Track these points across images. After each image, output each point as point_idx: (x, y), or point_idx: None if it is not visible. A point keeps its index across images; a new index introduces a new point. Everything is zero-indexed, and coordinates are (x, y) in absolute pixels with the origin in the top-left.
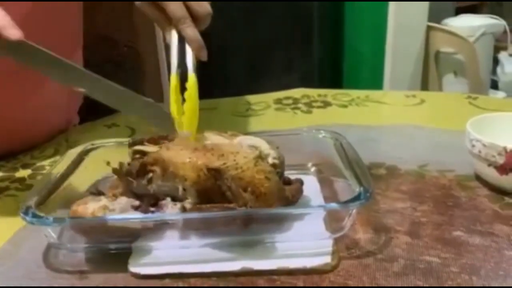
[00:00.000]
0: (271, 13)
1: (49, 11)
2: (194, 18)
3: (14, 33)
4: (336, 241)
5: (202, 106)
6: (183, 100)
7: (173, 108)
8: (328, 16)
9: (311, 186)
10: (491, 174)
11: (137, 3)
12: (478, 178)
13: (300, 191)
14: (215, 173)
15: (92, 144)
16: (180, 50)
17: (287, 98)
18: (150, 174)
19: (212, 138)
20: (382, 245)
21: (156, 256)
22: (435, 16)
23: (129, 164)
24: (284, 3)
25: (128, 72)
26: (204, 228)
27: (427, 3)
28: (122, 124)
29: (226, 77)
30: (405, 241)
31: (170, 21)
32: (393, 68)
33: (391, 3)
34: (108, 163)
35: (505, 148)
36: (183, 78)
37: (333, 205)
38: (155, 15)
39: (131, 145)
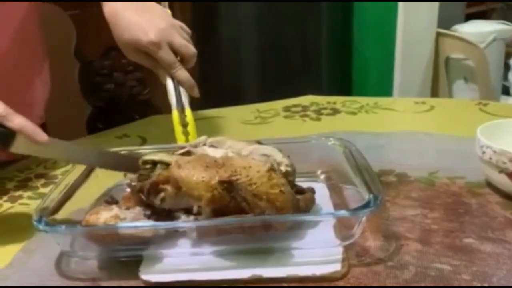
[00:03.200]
0: (279, 20)
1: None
2: (182, 60)
3: (42, 137)
4: (346, 248)
5: (212, 114)
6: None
7: (180, 138)
8: (336, 22)
9: (321, 194)
10: (502, 181)
11: (125, 52)
12: (489, 184)
13: (313, 200)
14: (228, 186)
15: None
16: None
17: (296, 105)
18: (162, 194)
19: (229, 143)
20: (392, 252)
21: (167, 264)
22: (445, 22)
23: (140, 175)
24: (292, 10)
25: (137, 81)
26: (219, 236)
27: (436, 9)
28: (133, 135)
29: (235, 85)
30: (415, 248)
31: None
32: (403, 74)
33: (400, 9)
34: (125, 175)
35: None
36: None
37: (343, 212)
38: (148, 62)
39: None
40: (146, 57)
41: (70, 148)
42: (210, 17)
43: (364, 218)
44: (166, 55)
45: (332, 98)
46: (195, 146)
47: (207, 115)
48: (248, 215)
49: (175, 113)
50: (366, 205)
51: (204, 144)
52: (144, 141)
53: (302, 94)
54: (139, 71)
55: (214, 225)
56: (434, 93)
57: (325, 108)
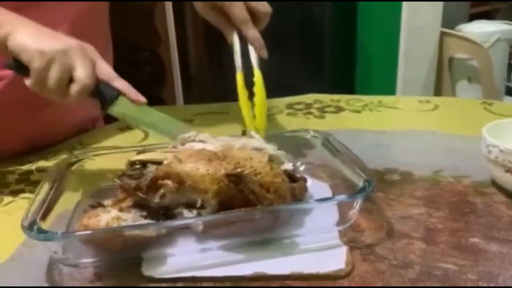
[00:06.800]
0: (283, 19)
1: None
2: (255, 18)
3: (142, 98)
4: (351, 247)
5: (214, 110)
6: (251, 94)
7: (244, 103)
8: (340, 21)
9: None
10: (508, 180)
11: (199, 8)
12: (495, 184)
13: (305, 188)
14: (236, 179)
15: (76, 157)
16: (242, 50)
17: (299, 103)
18: (162, 190)
19: (216, 138)
20: (397, 251)
21: (170, 261)
22: (449, 22)
23: (129, 175)
24: (296, 9)
25: (149, 77)
26: (229, 231)
27: (440, 9)
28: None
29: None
30: (420, 247)
31: (231, 24)
32: (406, 74)
33: (404, 9)
34: (112, 178)
35: None
36: (247, 74)
37: (344, 197)
38: (217, 19)
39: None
40: (218, 15)
41: (165, 119)
42: None
43: (359, 202)
44: (239, 11)
45: (336, 96)
46: (183, 143)
47: (210, 110)
48: (257, 207)
49: (239, 76)
50: (363, 189)
51: (193, 140)
52: (146, 135)
53: (305, 92)
54: (150, 67)
55: (226, 219)
56: (437, 92)
57: (329, 106)
